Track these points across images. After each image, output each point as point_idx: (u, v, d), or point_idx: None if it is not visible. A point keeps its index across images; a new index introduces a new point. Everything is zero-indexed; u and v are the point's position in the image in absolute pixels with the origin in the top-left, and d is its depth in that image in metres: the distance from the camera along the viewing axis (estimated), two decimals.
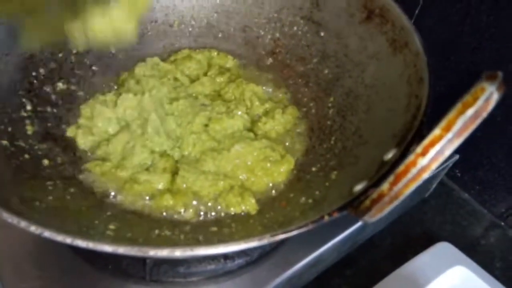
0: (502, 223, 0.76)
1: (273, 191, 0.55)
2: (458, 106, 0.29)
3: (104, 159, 0.56)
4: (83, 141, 0.58)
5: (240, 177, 0.55)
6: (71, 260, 0.51)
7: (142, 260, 0.49)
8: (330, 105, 0.61)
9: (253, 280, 0.52)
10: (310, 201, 0.46)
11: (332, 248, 0.57)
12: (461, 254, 0.64)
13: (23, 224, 0.33)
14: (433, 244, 0.65)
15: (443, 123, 0.30)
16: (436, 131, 0.30)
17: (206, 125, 0.60)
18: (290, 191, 0.53)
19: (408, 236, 0.73)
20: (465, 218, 0.77)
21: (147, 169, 0.55)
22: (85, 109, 0.60)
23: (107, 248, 0.32)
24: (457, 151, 0.68)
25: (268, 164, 0.56)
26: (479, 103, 0.28)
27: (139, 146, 0.55)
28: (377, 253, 0.70)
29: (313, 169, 0.55)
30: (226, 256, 0.52)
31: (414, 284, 0.59)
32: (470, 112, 0.29)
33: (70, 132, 0.58)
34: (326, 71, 0.63)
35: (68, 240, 0.32)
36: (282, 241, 0.55)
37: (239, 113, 0.62)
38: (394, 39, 0.51)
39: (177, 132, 0.58)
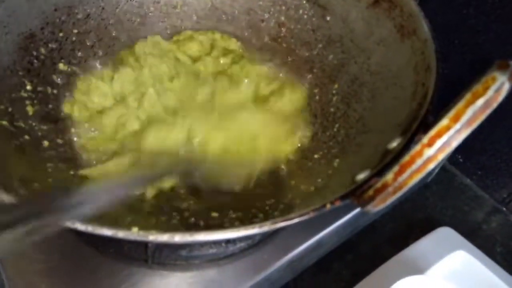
0: (504, 209, 0.76)
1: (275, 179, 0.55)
2: (468, 96, 0.28)
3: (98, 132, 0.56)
4: (79, 115, 0.57)
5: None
6: (73, 244, 0.51)
7: (144, 244, 0.50)
8: (334, 92, 0.60)
9: (254, 263, 0.52)
10: (312, 188, 0.46)
11: (332, 232, 0.57)
12: (462, 239, 0.64)
13: None
14: (434, 229, 0.65)
15: (452, 113, 0.29)
16: (444, 121, 0.29)
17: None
18: (291, 178, 0.53)
19: (409, 221, 0.73)
20: (466, 204, 0.77)
21: None
22: (81, 83, 0.60)
23: (107, 232, 0.32)
24: None
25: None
26: (490, 93, 0.28)
27: (133, 118, 0.55)
28: (378, 238, 0.70)
29: (315, 156, 0.55)
30: (228, 240, 0.52)
31: (415, 268, 0.60)
32: (480, 102, 0.28)
33: (66, 108, 0.58)
34: (331, 57, 0.62)
35: (68, 223, 0.32)
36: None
37: (246, 81, 0.61)
38: (402, 25, 0.50)
39: (177, 106, 0.58)
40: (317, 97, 0.62)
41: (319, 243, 0.57)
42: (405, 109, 0.43)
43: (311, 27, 0.65)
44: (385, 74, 0.51)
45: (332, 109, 0.59)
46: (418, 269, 0.60)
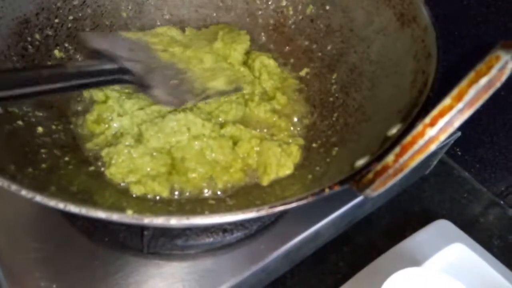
0: (501, 202, 0.77)
1: None
2: (471, 75, 0.28)
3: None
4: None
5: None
6: (68, 232, 0.51)
7: (140, 233, 0.49)
8: (333, 81, 0.60)
9: (251, 254, 0.52)
10: (310, 176, 0.46)
11: (330, 223, 0.57)
12: (460, 231, 0.64)
13: (13, 187, 0.32)
14: (431, 222, 0.65)
15: (454, 92, 0.28)
16: (447, 101, 0.29)
17: None
18: None
19: (406, 214, 0.73)
20: (464, 197, 0.77)
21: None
22: None
23: (101, 214, 0.31)
24: (459, 128, 0.69)
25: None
26: (493, 71, 0.27)
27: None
28: (375, 230, 0.70)
29: (314, 145, 0.54)
30: (224, 230, 0.52)
31: (412, 260, 0.60)
32: (483, 81, 0.27)
33: None
34: (330, 47, 0.62)
35: (61, 205, 0.31)
36: (281, 215, 0.55)
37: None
38: (402, 13, 0.49)
39: None
40: (316, 87, 0.62)
41: (316, 234, 0.56)
42: (405, 97, 0.42)
43: (310, 17, 0.64)
44: (385, 63, 0.51)
45: (331, 99, 0.58)
46: (415, 261, 0.60)
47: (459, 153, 0.79)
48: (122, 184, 0.50)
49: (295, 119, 0.59)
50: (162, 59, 0.55)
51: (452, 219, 0.66)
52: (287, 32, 0.68)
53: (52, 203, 0.32)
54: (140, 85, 0.49)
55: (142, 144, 0.51)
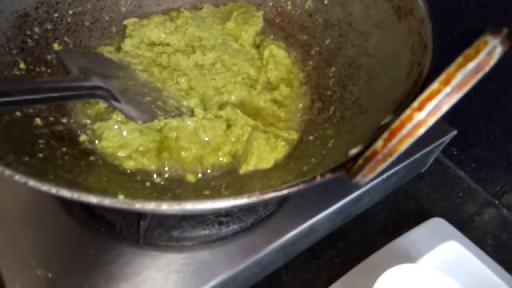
0: (497, 201, 0.77)
1: None
2: (459, 59, 0.28)
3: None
4: None
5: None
6: (65, 223, 0.51)
7: (136, 223, 0.49)
8: (331, 75, 0.60)
9: (246, 246, 0.52)
10: (304, 168, 0.46)
11: (325, 218, 0.57)
12: (454, 229, 0.65)
13: (7, 173, 0.33)
14: (427, 220, 0.65)
15: (442, 77, 0.29)
16: (435, 85, 0.29)
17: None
18: (285, 159, 0.53)
19: (402, 211, 0.73)
20: (459, 196, 0.77)
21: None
22: None
23: (93, 199, 0.31)
24: (454, 127, 0.69)
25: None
26: (481, 56, 0.27)
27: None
28: (370, 227, 0.70)
29: (310, 137, 0.55)
30: (220, 222, 0.52)
31: (406, 257, 0.60)
32: (471, 65, 0.28)
33: None
34: (328, 41, 0.62)
35: (54, 190, 0.31)
36: (276, 209, 0.55)
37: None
38: (399, 6, 0.50)
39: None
40: (313, 81, 0.62)
41: (311, 229, 0.56)
42: (401, 88, 0.43)
43: (309, 11, 0.65)
44: (382, 56, 0.51)
45: (328, 92, 0.59)
46: (409, 258, 0.60)
47: (455, 152, 0.79)
48: (115, 161, 0.51)
49: (294, 111, 0.60)
50: (140, 78, 0.58)
51: (447, 217, 0.66)
52: (286, 27, 0.69)
53: (45, 187, 0.32)
54: (113, 100, 0.52)
55: (133, 121, 0.52)
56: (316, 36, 0.64)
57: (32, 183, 0.32)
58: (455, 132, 0.70)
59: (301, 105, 0.60)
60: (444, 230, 0.64)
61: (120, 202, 0.31)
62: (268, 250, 0.52)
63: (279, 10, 0.69)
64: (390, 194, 0.73)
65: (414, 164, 0.68)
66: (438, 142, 0.68)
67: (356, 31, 0.57)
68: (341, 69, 0.58)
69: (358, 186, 0.58)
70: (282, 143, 0.52)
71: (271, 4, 0.69)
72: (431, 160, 0.76)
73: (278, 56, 0.63)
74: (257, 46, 0.66)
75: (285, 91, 0.60)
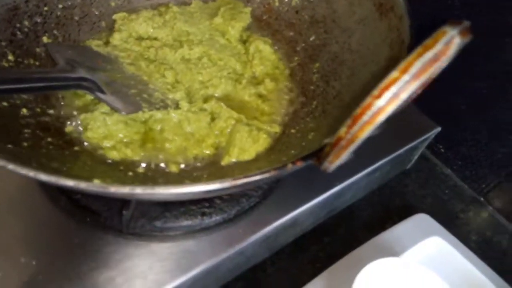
0: (482, 199, 0.78)
1: None
2: (419, 49, 0.29)
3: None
4: None
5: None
6: (50, 212, 0.51)
7: (119, 213, 0.50)
8: (315, 70, 0.61)
9: (229, 237, 0.52)
10: (284, 159, 0.47)
11: (308, 211, 0.58)
12: (439, 225, 0.65)
13: None
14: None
15: (402, 65, 0.30)
16: (394, 73, 0.30)
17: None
18: (267, 151, 0.54)
19: (387, 207, 0.74)
20: (445, 193, 0.78)
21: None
22: None
23: (70, 183, 0.32)
24: (441, 125, 0.70)
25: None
26: (439, 46, 0.28)
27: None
28: (355, 222, 0.70)
29: (292, 131, 0.55)
30: (203, 213, 0.53)
31: (390, 251, 0.60)
32: (429, 54, 0.29)
33: None
34: (313, 37, 0.63)
35: (31, 173, 0.32)
36: (259, 201, 0.56)
37: None
38: (381, 3, 0.51)
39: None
40: (298, 76, 0.63)
41: (294, 221, 0.57)
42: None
43: (295, 8, 0.66)
44: (364, 52, 0.52)
45: (312, 87, 0.59)
46: (393, 252, 0.60)
47: (442, 150, 0.80)
48: (100, 151, 0.52)
49: (278, 105, 0.61)
50: (127, 71, 0.59)
51: (432, 214, 0.66)
52: (273, 23, 0.69)
53: (24, 171, 0.33)
54: (98, 92, 0.53)
55: (117, 112, 0.53)
56: (302, 32, 0.65)
57: (11, 166, 0.32)
58: (439, 129, 0.71)
59: (285, 100, 0.61)
60: (428, 226, 0.65)
61: (95, 186, 0.32)
62: (251, 240, 0.53)
63: (267, 6, 0.70)
64: (375, 190, 0.74)
65: (398, 160, 0.69)
66: (422, 138, 0.68)
67: (340, 27, 0.58)
68: (325, 64, 0.59)
69: (339, 180, 0.58)
70: (264, 136, 0.53)
71: (258, 0, 0.70)
72: (416, 157, 0.76)
73: (264, 52, 0.64)
74: (244, 42, 0.67)
75: (270, 86, 0.61)
